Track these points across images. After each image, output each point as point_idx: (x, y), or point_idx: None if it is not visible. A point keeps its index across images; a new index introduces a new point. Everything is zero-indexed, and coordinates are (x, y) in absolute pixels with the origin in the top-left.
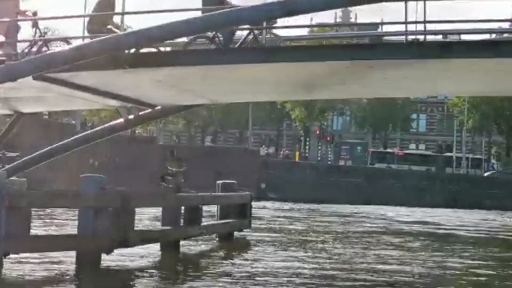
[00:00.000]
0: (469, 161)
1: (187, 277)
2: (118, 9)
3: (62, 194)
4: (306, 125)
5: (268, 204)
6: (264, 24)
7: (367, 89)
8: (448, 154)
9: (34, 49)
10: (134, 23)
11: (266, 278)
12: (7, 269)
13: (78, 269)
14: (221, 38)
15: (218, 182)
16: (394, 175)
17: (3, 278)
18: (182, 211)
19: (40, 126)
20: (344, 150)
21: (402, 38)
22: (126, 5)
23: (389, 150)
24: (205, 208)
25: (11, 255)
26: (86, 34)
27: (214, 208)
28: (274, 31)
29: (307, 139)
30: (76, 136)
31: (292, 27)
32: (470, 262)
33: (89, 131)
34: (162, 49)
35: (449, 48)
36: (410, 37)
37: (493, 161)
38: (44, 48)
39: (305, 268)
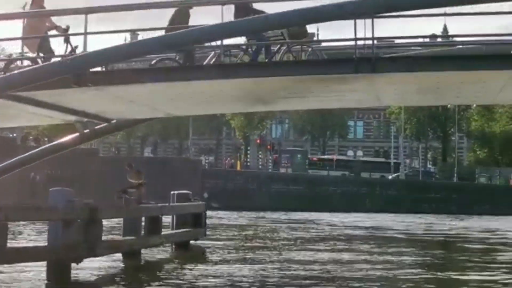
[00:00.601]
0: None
1: (151, 285)
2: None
3: (36, 208)
4: (246, 134)
5: (212, 213)
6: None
7: (316, 101)
8: (386, 160)
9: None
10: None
11: (224, 284)
12: None
13: (49, 279)
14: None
15: (172, 192)
16: (334, 181)
17: None
18: (143, 222)
19: None
20: (285, 158)
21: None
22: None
23: (328, 156)
24: None
25: None
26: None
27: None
28: None
29: (248, 147)
30: (29, 153)
31: None
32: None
33: (41, 147)
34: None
35: (396, 63)
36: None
37: (429, 165)
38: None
39: (263, 273)
